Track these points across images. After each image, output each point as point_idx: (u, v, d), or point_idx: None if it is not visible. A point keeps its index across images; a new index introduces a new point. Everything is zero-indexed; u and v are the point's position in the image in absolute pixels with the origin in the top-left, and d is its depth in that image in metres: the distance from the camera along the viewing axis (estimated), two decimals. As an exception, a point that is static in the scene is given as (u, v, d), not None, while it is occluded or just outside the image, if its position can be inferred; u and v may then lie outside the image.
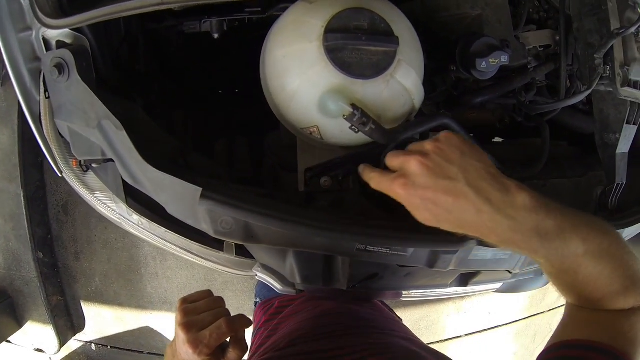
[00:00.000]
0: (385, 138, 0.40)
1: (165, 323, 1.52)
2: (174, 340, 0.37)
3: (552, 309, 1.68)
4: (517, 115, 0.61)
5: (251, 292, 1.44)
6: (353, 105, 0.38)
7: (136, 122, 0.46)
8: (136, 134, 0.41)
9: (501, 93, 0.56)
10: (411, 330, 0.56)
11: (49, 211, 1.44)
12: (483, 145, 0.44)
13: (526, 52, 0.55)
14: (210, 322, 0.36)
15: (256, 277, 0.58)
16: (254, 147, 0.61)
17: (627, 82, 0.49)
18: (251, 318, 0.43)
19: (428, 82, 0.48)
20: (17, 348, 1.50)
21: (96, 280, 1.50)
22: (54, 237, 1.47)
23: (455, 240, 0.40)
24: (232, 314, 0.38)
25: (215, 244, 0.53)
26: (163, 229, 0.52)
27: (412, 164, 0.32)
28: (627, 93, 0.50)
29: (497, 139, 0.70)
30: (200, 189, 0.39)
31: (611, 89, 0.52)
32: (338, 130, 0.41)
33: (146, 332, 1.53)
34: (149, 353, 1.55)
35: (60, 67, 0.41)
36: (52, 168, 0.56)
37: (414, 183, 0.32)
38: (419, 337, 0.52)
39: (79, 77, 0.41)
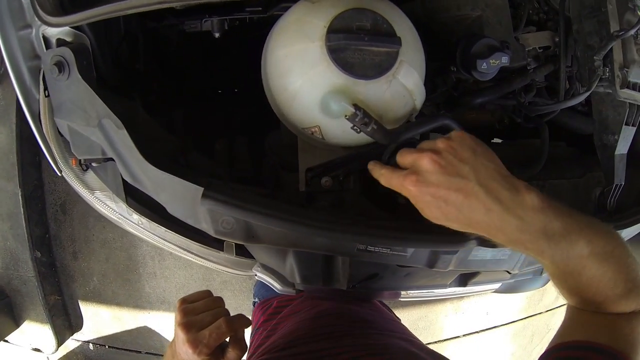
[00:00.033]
0: (387, 138, 0.40)
1: (163, 323, 1.52)
2: (174, 340, 0.37)
3: (550, 310, 1.69)
4: (517, 116, 0.61)
5: (249, 292, 1.44)
6: (355, 106, 0.38)
7: (136, 121, 0.46)
8: (136, 133, 0.41)
9: (501, 94, 0.56)
10: (409, 330, 0.56)
11: (46, 210, 1.43)
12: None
13: (526, 53, 0.55)
14: (209, 322, 0.36)
15: (255, 277, 0.58)
16: (254, 146, 0.61)
17: (626, 84, 0.50)
18: (250, 318, 0.43)
19: (428, 83, 0.49)
20: (14, 347, 1.49)
21: (94, 279, 1.50)
22: (51, 236, 1.46)
23: (455, 240, 0.40)
24: (231, 314, 0.38)
25: (215, 243, 0.53)
26: (163, 229, 0.52)
27: (424, 161, 0.32)
28: (626, 95, 0.50)
29: (496, 140, 0.71)
30: (202, 189, 0.39)
31: (610, 91, 0.52)
32: (340, 130, 0.41)
33: (144, 332, 1.53)
34: (146, 353, 1.55)
35: (60, 65, 0.41)
36: (52, 167, 0.55)
37: (426, 180, 0.32)
38: (417, 337, 0.52)
39: (79, 76, 0.41)
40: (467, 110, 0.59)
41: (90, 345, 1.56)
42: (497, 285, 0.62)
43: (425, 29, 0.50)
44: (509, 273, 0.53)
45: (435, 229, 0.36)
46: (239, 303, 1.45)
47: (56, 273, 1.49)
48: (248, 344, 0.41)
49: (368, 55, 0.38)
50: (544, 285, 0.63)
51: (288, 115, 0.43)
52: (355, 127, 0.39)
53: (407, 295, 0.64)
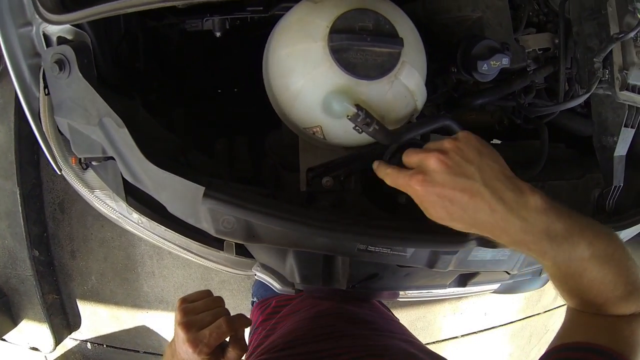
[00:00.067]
0: (388, 139, 0.40)
1: (161, 322, 1.51)
2: (173, 339, 0.37)
3: (548, 311, 1.70)
4: (516, 117, 0.61)
5: (248, 292, 1.44)
6: (357, 106, 0.38)
7: (137, 119, 0.46)
8: (137, 132, 0.41)
9: (501, 95, 0.56)
10: (409, 330, 0.56)
11: (45, 209, 1.43)
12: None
13: (525, 55, 0.55)
14: (209, 322, 0.35)
15: (255, 277, 0.58)
16: (255, 146, 0.61)
17: (626, 86, 0.50)
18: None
19: (429, 84, 0.49)
20: (12, 346, 1.48)
21: (92, 278, 1.49)
22: (50, 235, 1.45)
23: (455, 240, 0.40)
24: (231, 314, 0.38)
25: (215, 243, 0.53)
26: (163, 228, 0.52)
27: (431, 161, 0.33)
28: (626, 97, 0.50)
29: (496, 141, 0.71)
30: (203, 188, 0.39)
31: (610, 93, 0.52)
32: (341, 130, 0.41)
33: (142, 331, 1.53)
34: (145, 352, 1.55)
35: (61, 63, 0.41)
36: (51, 165, 0.55)
37: (433, 180, 0.32)
38: (416, 337, 0.52)
39: (80, 74, 0.41)
40: (467, 111, 0.59)
41: (88, 345, 1.56)
42: (496, 286, 0.63)
43: (426, 30, 0.50)
44: (508, 274, 0.53)
45: (435, 229, 0.36)
46: (237, 303, 1.45)
47: (54, 272, 1.48)
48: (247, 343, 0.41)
49: (370, 56, 0.38)
50: (543, 285, 0.63)
51: (289, 115, 0.43)
52: (357, 128, 0.39)
53: (405, 295, 0.64)
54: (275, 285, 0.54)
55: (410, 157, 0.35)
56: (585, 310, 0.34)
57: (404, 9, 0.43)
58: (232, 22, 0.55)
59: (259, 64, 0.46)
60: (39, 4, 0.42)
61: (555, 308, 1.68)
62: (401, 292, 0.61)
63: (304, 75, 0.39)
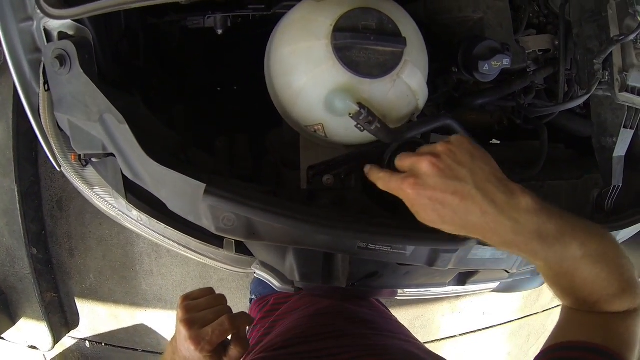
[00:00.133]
0: (390, 137, 0.40)
1: (160, 320, 1.51)
2: (175, 336, 0.37)
3: (546, 310, 1.71)
4: (516, 118, 0.61)
5: (246, 290, 1.44)
6: (359, 104, 0.38)
7: (137, 116, 0.46)
8: (138, 129, 0.41)
9: (501, 95, 0.56)
10: (408, 330, 0.56)
11: (43, 207, 1.42)
12: (484, 147, 0.45)
13: (526, 56, 0.56)
14: (212, 320, 0.36)
15: (254, 275, 0.58)
16: (255, 144, 0.61)
17: (625, 88, 0.50)
18: (250, 316, 0.43)
19: (430, 84, 0.49)
20: (10, 345, 1.48)
21: (90, 277, 1.49)
22: (48, 233, 1.45)
23: (455, 239, 0.40)
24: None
25: (215, 240, 0.53)
26: (162, 225, 0.52)
27: (423, 165, 0.33)
28: (625, 98, 0.51)
29: (495, 141, 0.71)
30: (204, 185, 0.39)
31: (609, 94, 0.53)
32: (343, 128, 0.41)
33: (141, 330, 1.52)
34: (143, 351, 1.54)
35: (61, 59, 0.40)
36: (50, 162, 0.55)
37: (424, 183, 0.33)
38: (414, 336, 0.52)
39: (81, 69, 0.41)
40: (467, 111, 0.59)
41: (87, 343, 1.55)
42: (495, 285, 0.63)
43: (427, 31, 0.50)
44: (507, 272, 0.54)
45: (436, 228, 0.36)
46: (236, 301, 1.45)
47: (52, 270, 1.48)
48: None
49: (373, 55, 0.38)
50: (542, 284, 0.63)
51: (291, 112, 0.43)
52: (358, 126, 0.39)
53: (404, 293, 0.64)
54: (275, 283, 0.54)
55: (403, 161, 0.35)
56: (579, 309, 0.34)
57: (406, 9, 0.43)
58: (234, 19, 0.55)
59: (260, 62, 0.46)
60: (40, -1, 0.41)
61: (553, 307, 1.69)
62: (400, 291, 0.61)
63: (307, 73, 0.39)
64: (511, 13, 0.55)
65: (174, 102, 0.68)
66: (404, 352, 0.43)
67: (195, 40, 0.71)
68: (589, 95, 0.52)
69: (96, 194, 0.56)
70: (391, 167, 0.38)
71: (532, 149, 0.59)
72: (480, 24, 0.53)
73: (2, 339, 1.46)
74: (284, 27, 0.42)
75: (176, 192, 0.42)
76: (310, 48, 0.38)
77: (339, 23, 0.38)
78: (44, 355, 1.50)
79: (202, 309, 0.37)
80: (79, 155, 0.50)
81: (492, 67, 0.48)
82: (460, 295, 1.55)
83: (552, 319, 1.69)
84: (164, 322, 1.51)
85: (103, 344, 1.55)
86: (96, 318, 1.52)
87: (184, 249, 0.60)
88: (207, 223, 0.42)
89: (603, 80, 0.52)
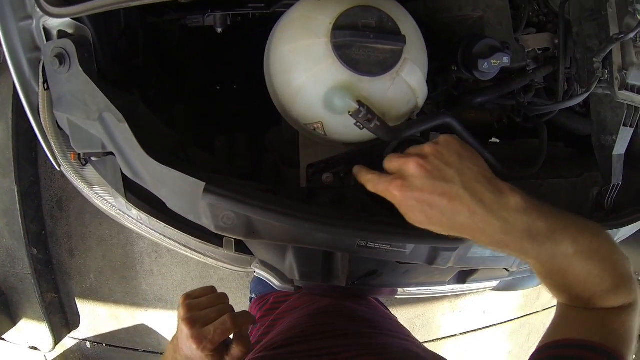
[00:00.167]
0: (389, 135, 0.40)
1: (160, 321, 1.51)
2: (176, 335, 0.37)
3: (547, 309, 1.71)
4: (516, 116, 0.61)
5: (247, 290, 1.43)
6: (359, 102, 0.38)
7: (137, 115, 0.46)
8: (137, 127, 0.41)
9: (500, 94, 0.56)
10: (407, 329, 0.56)
11: (43, 207, 1.42)
12: (483, 145, 0.45)
13: (525, 54, 0.56)
14: (214, 318, 0.35)
15: (254, 274, 0.58)
16: (255, 143, 0.61)
17: (625, 86, 0.50)
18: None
19: (429, 82, 0.49)
20: (11, 346, 1.48)
21: (91, 277, 1.49)
22: (48, 233, 1.45)
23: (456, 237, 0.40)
24: (232, 311, 0.38)
25: (215, 239, 0.53)
26: (162, 224, 0.52)
27: (410, 166, 0.33)
28: (625, 96, 0.51)
29: (495, 140, 0.71)
30: (203, 183, 0.39)
31: (609, 92, 0.53)
32: (342, 126, 0.41)
33: (141, 330, 1.52)
34: (144, 351, 1.54)
35: (61, 57, 0.40)
36: (50, 161, 0.55)
37: (411, 185, 0.33)
38: (414, 335, 0.52)
39: (80, 68, 0.41)
40: (467, 109, 0.59)
41: (88, 344, 1.55)
42: (495, 283, 0.63)
43: (427, 29, 0.50)
44: (508, 271, 0.53)
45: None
46: (236, 301, 1.44)
47: (53, 270, 1.48)
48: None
49: (373, 53, 0.38)
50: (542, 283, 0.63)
51: (291, 111, 0.43)
52: (358, 124, 0.39)
53: (404, 292, 0.64)
54: (275, 282, 0.54)
55: (391, 163, 0.35)
56: (574, 305, 0.34)
57: (406, 8, 0.43)
58: (234, 18, 0.55)
59: (259, 61, 0.46)
60: (39, -3, 0.41)
61: (554, 306, 1.67)
62: (400, 289, 0.61)
63: (307, 71, 0.39)
64: (511, 12, 0.55)
65: (173, 101, 0.68)
66: (403, 351, 0.43)
67: (194, 39, 0.71)
68: (588, 94, 0.52)
69: (96, 193, 0.56)
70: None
71: (531, 147, 0.59)
72: (480, 22, 0.54)
73: (3, 339, 1.46)
74: (283, 25, 0.42)
75: (176, 190, 0.42)
76: (309, 46, 0.38)
77: (338, 21, 0.38)
78: (44, 356, 1.50)
79: (204, 307, 0.37)
80: (79, 155, 0.50)
81: (491, 66, 0.48)
82: (461, 294, 1.55)
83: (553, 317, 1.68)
84: (165, 322, 1.51)
85: (104, 345, 1.55)
86: (97, 318, 1.52)
87: (184, 248, 0.60)
88: (206, 222, 0.42)
89: (603, 78, 0.51)
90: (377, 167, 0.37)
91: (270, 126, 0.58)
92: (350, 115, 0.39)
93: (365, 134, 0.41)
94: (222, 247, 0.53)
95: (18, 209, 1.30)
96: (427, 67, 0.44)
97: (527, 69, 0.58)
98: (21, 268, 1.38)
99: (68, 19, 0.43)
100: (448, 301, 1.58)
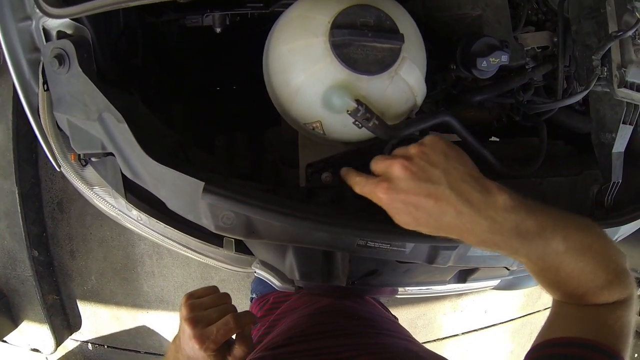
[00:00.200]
0: (388, 134, 0.40)
1: (161, 322, 1.51)
2: (178, 335, 0.37)
3: (548, 308, 1.69)
4: (515, 115, 0.61)
5: (248, 290, 1.43)
6: (357, 101, 0.38)
7: (136, 115, 0.46)
8: (137, 127, 0.41)
9: (499, 92, 0.56)
10: (408, 329, 0.56)
11: (43, 209, 1.42)
12: (482, 143, 0.45)
13: (524, 52, 0.56)
14: (216, 318, 0.35)
15: (254, 274, 0.58)
16: (254, 143, 0.61)
17: (624, 84, 0.50)
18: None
19: (428, 81, 0.49)
20: (13, 348, 1.48)
21: (92, 278, 1.49)
22: (49, 235, 1.45)
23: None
24: (234, 312, 0.38)
25: (215, 239, 0.53)
26: (162, 225, 0.52)
27: (395, 168, 0.33)
28: (624, 94, 0.51)
29: (494, 138, 0.71)
30: (203, 183, 0.39)
31: (608, 90, 0.53)
32: (341, 125, 0.41)
33: (143, 331, 1.52)
34: (145, 352, 1.54)
35: (60, 58, 0.41)
36: (50, 163, 0.55)
37: (397, 187, 0.32)
38: (415, 336, 0.52)
39: (79, 69, 0.41)
40: (465, 107, 0.59)
41: (89, 345, 1.55)
42: (495, 282, 0.63)
43: (426, 28, 0.50)
44: (508, 269, 0.53)
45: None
46: (237, 302, 1.42)
47: (54, 272, 1.48)
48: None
49: (371, 51, 0.38)
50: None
51: (290, 110, 0.43)
52: (356, 123, 0.39)
53: (405, 292, 0.64)
54: (275, 282, 0.54)
55: (377, 165, 0.35)
56: (568, 302, 0.34)
57: (404, 6, 0.43)
58: (232, 18, 0.55)
59: (258, 61, 0.46)
60: (39, -2, 0.41)
61: (554, 306, 1.68)
62: (401, 289, 0.61)
63: (305, 71, 0.39)
64: (510, 10, 0.55)
65: (172, 100, 0.68)
66: (403, 351, 0.43)
67: (193, 39, 0.71)
68: (587, 92, 0.52)
69: (96, 193, 0.56)
70: None
71: (531, 145, 0.59)
72: (479, 21, 0.54)
73: (5, 342, 1.46)
74: (281, 25, 0.42)
75: (175, 191, 0.42)
76: (308, 45, 0.38)
77: (336, 20, 0.38)
78: (46, 357, 1.50)
79: (206, 307, 0.37)
80: (79, 155, 0.50)
81: (490, 64, 0.48)
82: (462, 294, 1.55)
83: (554, 317, 1.68)
84: (166, 323, 1.51)
85: (105, 346, 1.55)
86: (98, 320, 1.52)
87: (184, 249, 0.60)
88: (206, 222, 0.42)
89: (602, 76, 0.51)
90: None
91: (269, 126, 0.58)
92: (349, 114, 0.39)
93: (364, 133, 0.41)
94: (222, 247, 0.53)
95: (19, 210, 1.31)
96: (426, 65, 0.44)
97: (526, 67, 0.58)
98: (22, 270, 1.38)
99: (67, 20, 0.43)
100: (449, 301, 1.58)
